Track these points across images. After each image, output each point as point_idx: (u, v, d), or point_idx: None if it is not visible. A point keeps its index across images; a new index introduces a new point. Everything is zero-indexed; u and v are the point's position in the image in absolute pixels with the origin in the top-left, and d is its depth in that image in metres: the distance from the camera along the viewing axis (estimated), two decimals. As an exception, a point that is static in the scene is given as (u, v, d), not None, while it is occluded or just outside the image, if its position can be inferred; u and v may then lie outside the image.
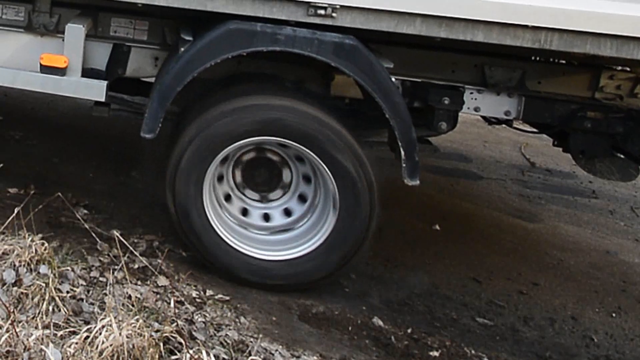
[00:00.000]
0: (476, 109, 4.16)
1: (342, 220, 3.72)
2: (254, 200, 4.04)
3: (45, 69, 4.11)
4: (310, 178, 3.94)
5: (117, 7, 4.25)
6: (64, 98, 6.62)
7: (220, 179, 4.02)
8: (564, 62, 4.29)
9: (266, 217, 4.02)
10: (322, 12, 3.63)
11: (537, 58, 4.28)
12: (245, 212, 4.02)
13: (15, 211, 3.41)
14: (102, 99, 4.16)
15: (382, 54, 3.94)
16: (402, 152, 3.68)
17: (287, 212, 4.00)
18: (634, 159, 4.02)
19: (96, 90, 4.13)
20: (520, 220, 5.11)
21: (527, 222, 5.09)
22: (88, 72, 4.22)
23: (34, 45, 4.35)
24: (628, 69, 4.15)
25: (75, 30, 4.09)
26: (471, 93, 4.11)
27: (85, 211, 4.41)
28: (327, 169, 3.71)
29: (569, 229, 5.07)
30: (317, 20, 3.65)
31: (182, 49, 3.82)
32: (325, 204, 3.84)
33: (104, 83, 4.13)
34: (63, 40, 4.22)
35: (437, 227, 4.83)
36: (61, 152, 5.43)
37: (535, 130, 4.75)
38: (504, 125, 7.48)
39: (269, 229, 3.99)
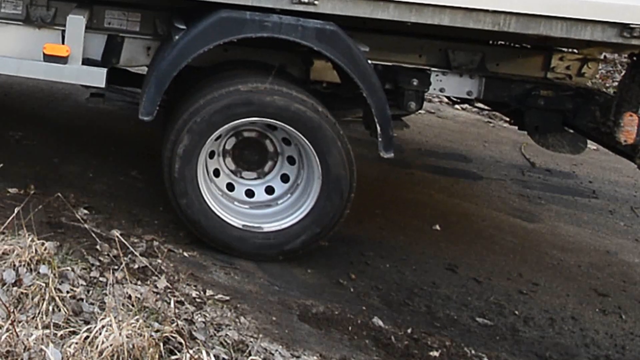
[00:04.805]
0: (441, 90, 4.51)
1: (326, 189, 4.01)
2: (252, 179, 4.31)
3: (49, 58, 4.29)
4: (289, 141, 4.22)
5: (112, 0, 4.47)
6: (63, 98, 6.67)
7: (216, 173, 4.29)
8: (518, 45, 4.67)
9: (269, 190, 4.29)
10: (305, 0, 3.88)
11: (496, 42, 4.65)
12: (250, 193, 4.30)
13: (15, 211, 3.42)
14: (103, 85, 4.35)
15: (357, 39, 4.14)
16: (379, 128, 3.99)
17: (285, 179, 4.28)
18: (582, 133, 4.35)
19: (97, 77, 4.33)
20: (520, 220, 5.11)
21: (527, 222, 5.09)
22: (85, 62, 4.38)
23: (32, 37, 4.53)
24: (576, 50, 4.54)
25: (76, 21, 4.28)
26: (437, 75, 4.46)
27: (85, 211, 4.41)
28: (309, 144, 3.99)
29: (569, 229, 5.07)
30: (301, 8, 3.92)
31: (177, 37, 4.03)
32: (309, 178, 4.11)
33: (104, 70, 4.34)
34: (61, 31, 4.44)
35: (437, 227, 4.83)
36: (61, 152, 5.43)
37: (490, 108, 5.23)
38: (504, 125, 7.52)
39: (274, 200, 4.25)
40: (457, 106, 7.73)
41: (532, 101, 4.33)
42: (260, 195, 4.28)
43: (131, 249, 3.63)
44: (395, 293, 3.99)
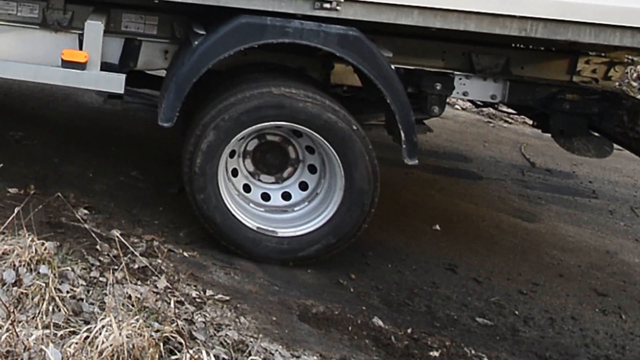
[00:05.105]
0: (465, 94, 4.45)
1: (347, 201, 3.98)
2: (269, 183, 4.29)
3: (67, 64, 4.27)
4: (313, 150, 4.19)
5: (130, 4, 4.43)
6: (63, 98, 6.66)
7: (234, 173, 4.26)
8: (542, 48, 4.60)
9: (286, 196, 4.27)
10: (327, 5, 3.86)
11: (519, 45, 4.58)
12: (266, 196, 4.28)
13: (15, 211, 3.42)
14: (121, 91, 4.31)
15: (379, 44, 4.10)
16: (402, 134, 3.95)
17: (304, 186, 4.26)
18: (608, 137, 4.31)
19: (115, 83, 4.29)
20: (520, 220, 5.11)
21: (527, 222, 5.09)
22: (103, 66, 4.35)
23: (48, 41, 4.51)
24: (603, 54, 4.46)
25: (95, 27, 4.26)
26: (460, 79, 4.41)
27: (85, 211, 4.41)
28: (336, 155, 3.96)
29: (569, 229, 5.07)
30: (323, 14, 3.88)
31: (196, 43, 4.01)
32: (330, 188, 4.08)
33: (123, 76, 4.30)
34: (78, 36, 4.41)
35: (437, 227, 4.83)
36: (61, 152, 5.42)
37: (515, 112, 5.17)
38: (504, 125, 7.52)
39: (292, 206, 4.23)
40: (457, 106, 7.74)
41: (558, 105, 4.28)
42: (276, 200, 4.26)
43: (131, 249, 3.63)
44: (395, 293, 3.99)
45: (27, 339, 2.75)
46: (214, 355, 2.87)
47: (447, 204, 5.28)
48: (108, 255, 3.77)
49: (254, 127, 4.00)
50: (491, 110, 7.71)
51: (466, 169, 6.10)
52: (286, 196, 4.25)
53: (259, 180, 4.29)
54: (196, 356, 2.76)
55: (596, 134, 4.34)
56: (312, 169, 4.23)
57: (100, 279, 3.48)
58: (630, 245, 4.90)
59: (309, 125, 3.94)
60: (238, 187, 4.26)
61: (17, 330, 2.77)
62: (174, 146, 5.66)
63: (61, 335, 2.87)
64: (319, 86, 4.24)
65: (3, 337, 2.74)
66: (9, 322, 2.78)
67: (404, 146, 3.96)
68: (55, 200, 4.03)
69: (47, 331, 2.83)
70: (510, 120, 7.66)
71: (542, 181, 5.99)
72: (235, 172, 4.27)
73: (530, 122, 7.45)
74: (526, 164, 6.38)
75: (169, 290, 3.48)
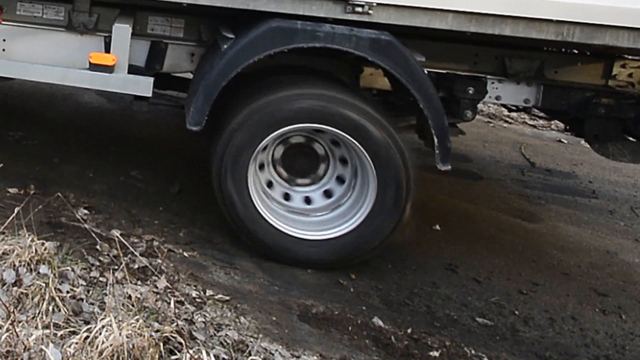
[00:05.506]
0: (497, 98, 4.41)
1: (381, 194, 3.96)
2: (308, 185, 4.26)
3: (95, 67, 4.28)
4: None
5: (157, 6, 4.40)
6: (63, 98, 6.66)
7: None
8: (576, 52, 4.54)
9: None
10: (359, 9, 3.82)
11: (552, 49, 4.50)
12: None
13: (15, 211, 3.42)
14: (149, 94, 4.33)
15: (410, 47, 4.06)
16: (435, 140, 3.91)
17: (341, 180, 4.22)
18: None
19: (143, 86, 4.31)
20: (520, 220, 5.11)
21: (527, 222, 5.09)
22: (129, 69, 4.35)
23: (74, 44, 4.52)
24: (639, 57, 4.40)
25: (122, 30, 4.27)
26: (492, 83, 4.36)
27: (85, 211, 4.41)
28: (367, 155, 3.93)
29: (569, 229, 5.07)
30: (354, 17, 3.84)
31: (225, 46, 3.98)
32: (364, 181, 4.07)
33: (150, 79, 4.32)
34: (103, 38, 4.43)
35: (437, 227, 4.83)
36: (61, 152, 5.42)
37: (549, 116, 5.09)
38: (504, 125, 7.52)
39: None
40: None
41: (592, 109, 4.23)
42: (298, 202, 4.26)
43: (131, 249, 3.63)
44: (395, 293, 3.99)
45: (27, 339, 2.75)
46: (214, 355, 2.87)
47: (447, 204, 5.28)
48: (108, 255, 3.78)
49: (290, 127, 3.97)
50: (491, 110, 7.72)
51: (466, 169, 6.10)
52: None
53: (296, 185, 4.27)
54: (196, 356, 2.76)
55: (631, 139, 4.29)
56: (340, 180, 4.21)
57: (100, 279, 3.48)
58: (630, 245, 4.90)
59: (350, 132, 3.90)
60: (263, 182, 4.22)
61: (17, 330, 2.77)
62: (174, 146, 5.67)
63: (61, 335, 2.87)
64: (362, 93, 4.23)
65: (3, 337, 2.74)
66: (9, 322, 2.78)
67: (436, 152, 3.91)
68: (55, 200, 4.03)
69: (47, 331, 2.83)
70: (510, 120, 7.66)
71: (542, 181, 5.99)
72: (261, 166, 4.22)
73: (531, 122, 7.50)
74: (526, 164, 6.38)
75: (169, 290, 3.48)
